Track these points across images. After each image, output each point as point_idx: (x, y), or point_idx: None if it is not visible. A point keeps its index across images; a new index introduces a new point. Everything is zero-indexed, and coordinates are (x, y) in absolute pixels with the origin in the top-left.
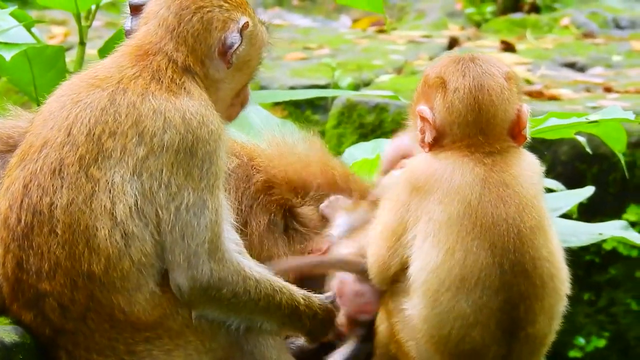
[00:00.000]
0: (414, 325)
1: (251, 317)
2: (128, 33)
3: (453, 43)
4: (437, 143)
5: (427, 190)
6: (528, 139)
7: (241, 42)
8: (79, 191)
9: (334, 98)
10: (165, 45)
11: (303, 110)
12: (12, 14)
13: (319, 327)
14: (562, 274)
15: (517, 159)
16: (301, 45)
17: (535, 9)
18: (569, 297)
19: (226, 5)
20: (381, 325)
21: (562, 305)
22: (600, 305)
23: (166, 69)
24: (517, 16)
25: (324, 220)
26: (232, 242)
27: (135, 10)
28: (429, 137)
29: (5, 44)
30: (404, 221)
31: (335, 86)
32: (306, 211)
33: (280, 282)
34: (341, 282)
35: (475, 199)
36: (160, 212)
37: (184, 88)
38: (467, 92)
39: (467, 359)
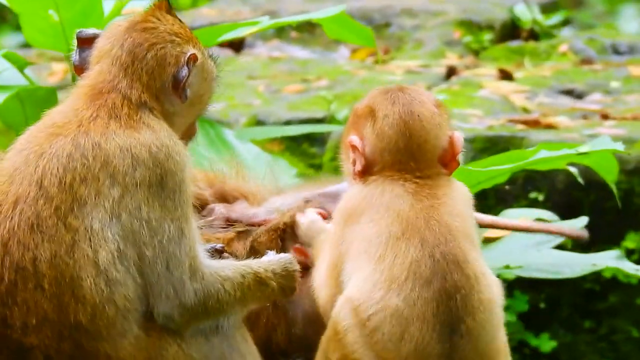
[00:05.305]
0: (358, 337)
1: (233, 310)
2: (76, 67)
3: (451, 72)
4: (367, 172)
5: (359, 214)
6: (460, 164)
7: (189, 74)
8: (60, 243)
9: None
10: (118, 83)
11: (300, 144)
12: (4, 56)
13: (285, 280)
14: (495, 283)
15: (448, 182)
16: (299, 77)
17: (533, 36)
18: (570, 326)
19: (177, 39)
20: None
21: (500, 308)
22: (601, 333)
23: (121, 105)
24: (516, 44)
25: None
26: (204, 255)
27: (83, 43)
28: (359, 166)
29: None
30: (342, 253)
31: (332, 119)
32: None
33: (238, 264)
34: None
35: (406, 207)
36: (144, 249)
37: (143, 122)
38: (397, 118)
39: None
